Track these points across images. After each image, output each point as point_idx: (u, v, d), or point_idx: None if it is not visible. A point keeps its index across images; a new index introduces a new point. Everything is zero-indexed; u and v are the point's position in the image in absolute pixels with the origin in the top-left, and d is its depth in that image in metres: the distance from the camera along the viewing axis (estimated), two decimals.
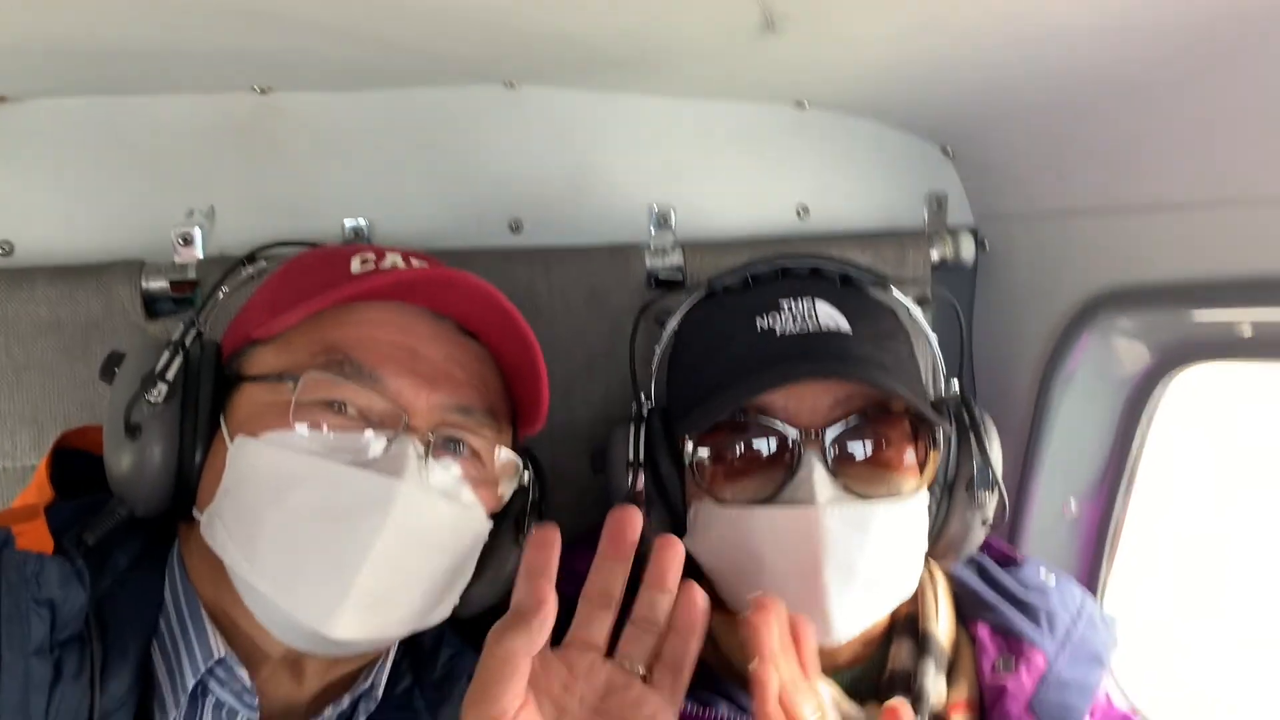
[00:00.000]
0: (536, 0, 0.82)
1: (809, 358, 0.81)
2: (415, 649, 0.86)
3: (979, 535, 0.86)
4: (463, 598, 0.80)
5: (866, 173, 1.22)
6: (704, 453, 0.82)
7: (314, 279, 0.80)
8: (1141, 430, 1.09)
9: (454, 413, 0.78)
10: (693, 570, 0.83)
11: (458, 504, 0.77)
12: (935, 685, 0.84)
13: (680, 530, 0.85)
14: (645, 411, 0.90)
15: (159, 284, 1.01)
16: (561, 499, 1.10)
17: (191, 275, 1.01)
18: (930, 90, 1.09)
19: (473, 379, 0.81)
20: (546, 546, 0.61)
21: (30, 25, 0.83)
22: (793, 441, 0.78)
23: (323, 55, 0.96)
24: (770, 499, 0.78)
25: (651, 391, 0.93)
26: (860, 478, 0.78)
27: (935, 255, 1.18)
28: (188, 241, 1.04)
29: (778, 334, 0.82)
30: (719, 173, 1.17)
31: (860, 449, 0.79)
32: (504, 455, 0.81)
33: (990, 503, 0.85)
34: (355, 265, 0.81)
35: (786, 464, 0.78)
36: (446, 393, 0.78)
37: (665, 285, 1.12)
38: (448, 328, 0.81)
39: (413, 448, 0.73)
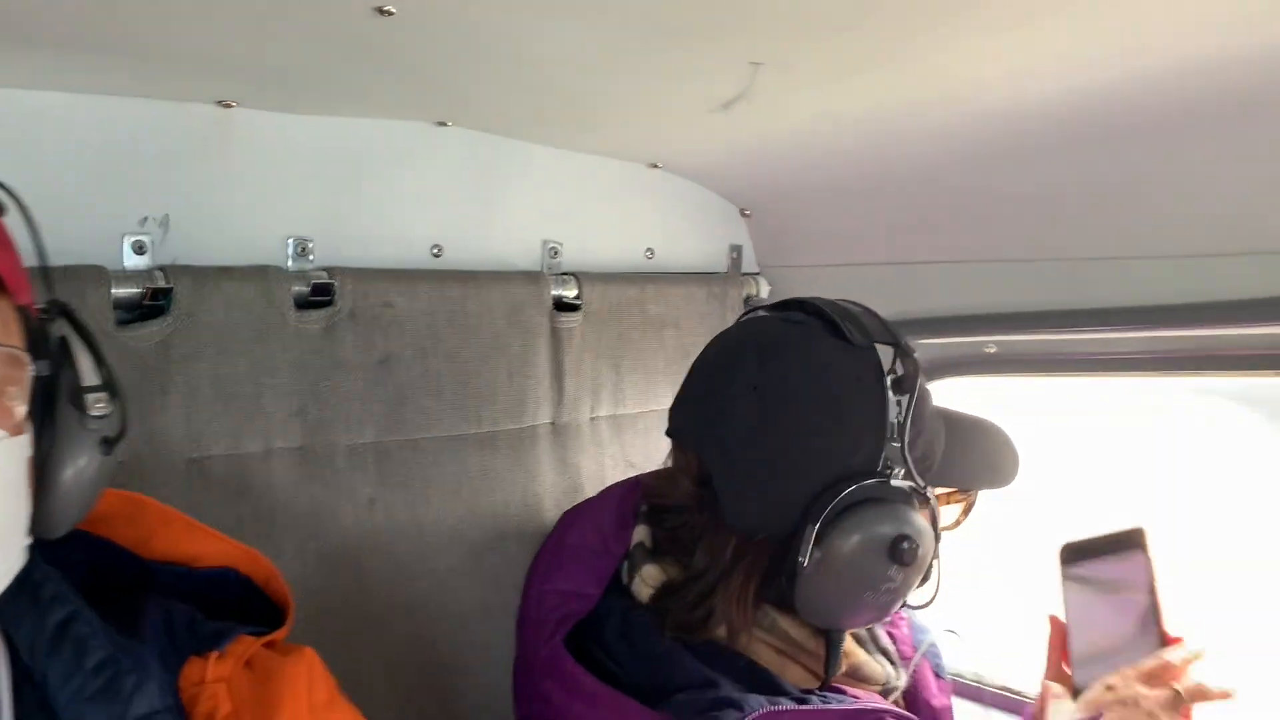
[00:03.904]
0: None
1: None
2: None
3: None
4: (45, 518, 0.66)
5: (691, 225, 1.50)
6: None
7: None
8: None
9: None
10: None
11: None
12: None
13: None
14: None
15: (131, 291, 0.97)
16: (489, 505, 1.23)
17: (163, 282, 0.99)
18: (738, 162, 1.40)
19: None
20: None
21: None
22: None
23: (287, 75, 1.02)
24: None
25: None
26: None
27: (745, 293, 1.50)
28: (141, 249, 1.02)
29: None
30: (592, 216, 1.38)
31: None
32: None
33: None
34: None
35: None
36: None
37: (567, 308, 1.30)
38: None
39: None
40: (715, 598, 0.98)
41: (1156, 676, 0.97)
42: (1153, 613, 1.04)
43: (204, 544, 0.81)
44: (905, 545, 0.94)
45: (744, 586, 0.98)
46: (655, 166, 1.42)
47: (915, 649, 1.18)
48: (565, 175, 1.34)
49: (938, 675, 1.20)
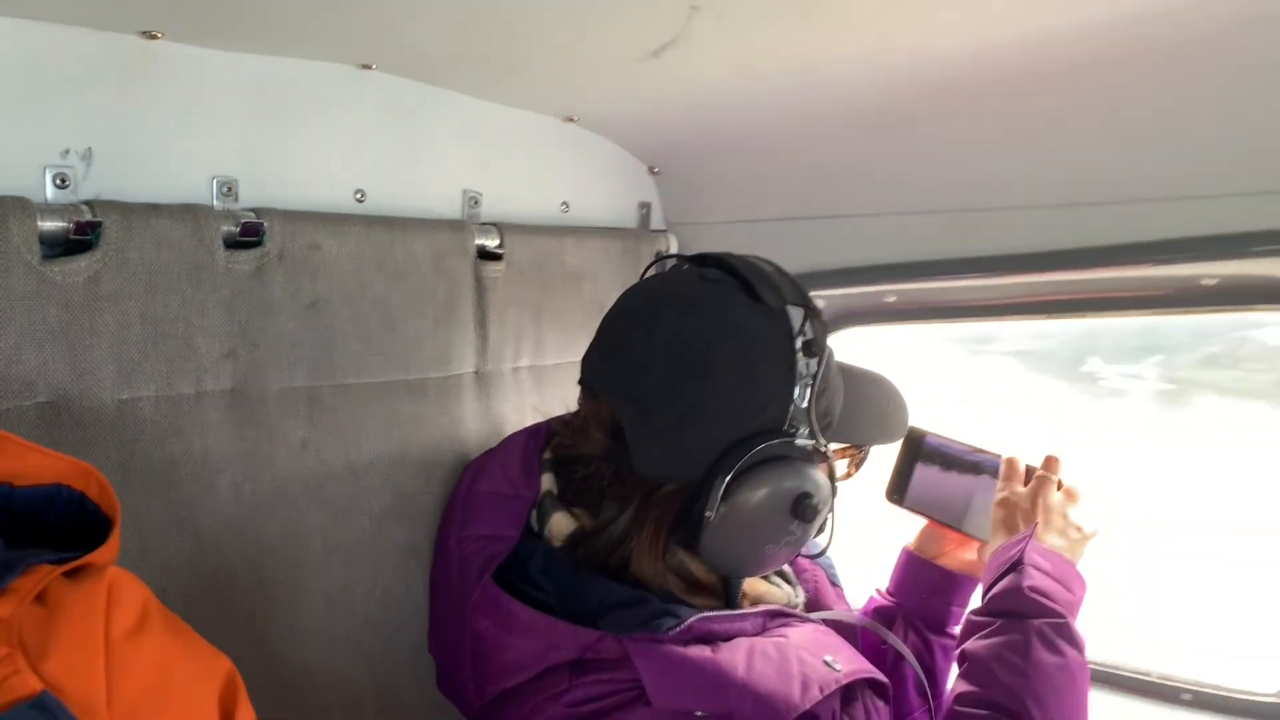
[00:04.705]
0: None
1: None
2: None
3: None
4: None
5: (603, 181, 1.53)
6: None
7: None
8: None
9: None
10: None
11: None
12: None
13: None
14: None
15: (56, 224, 0.93)
16: (418, 450, 1.23)
17: (89, 216, 0.95)
18: (650, 119, 1.44)
19: None
20: None
21: None
22: None
23: (214, 6, 0.99)
24: None
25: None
26: None
27: (656, 249, 1.54)
28: (64, 182, 0.98)
29: None
30: (510, 167, 1.39)
31: None
32: None
33: None
34: None
35: None
36: None
37: (489, 257, 1.30)
38: None
39: None
40: (629, 545, 1.03)
41: (1011, 478, 1.25)
42: (975, 455, 1.33)
43: (22, 459, 0.70)
44: (807, 502, 1.01)
45: (654, 535, 1.03)
46: (571, 120, 1.44)
47: (809, 563, 1.27)
48: (485, 126, 1.34)
49: (833, 583, 1.30)
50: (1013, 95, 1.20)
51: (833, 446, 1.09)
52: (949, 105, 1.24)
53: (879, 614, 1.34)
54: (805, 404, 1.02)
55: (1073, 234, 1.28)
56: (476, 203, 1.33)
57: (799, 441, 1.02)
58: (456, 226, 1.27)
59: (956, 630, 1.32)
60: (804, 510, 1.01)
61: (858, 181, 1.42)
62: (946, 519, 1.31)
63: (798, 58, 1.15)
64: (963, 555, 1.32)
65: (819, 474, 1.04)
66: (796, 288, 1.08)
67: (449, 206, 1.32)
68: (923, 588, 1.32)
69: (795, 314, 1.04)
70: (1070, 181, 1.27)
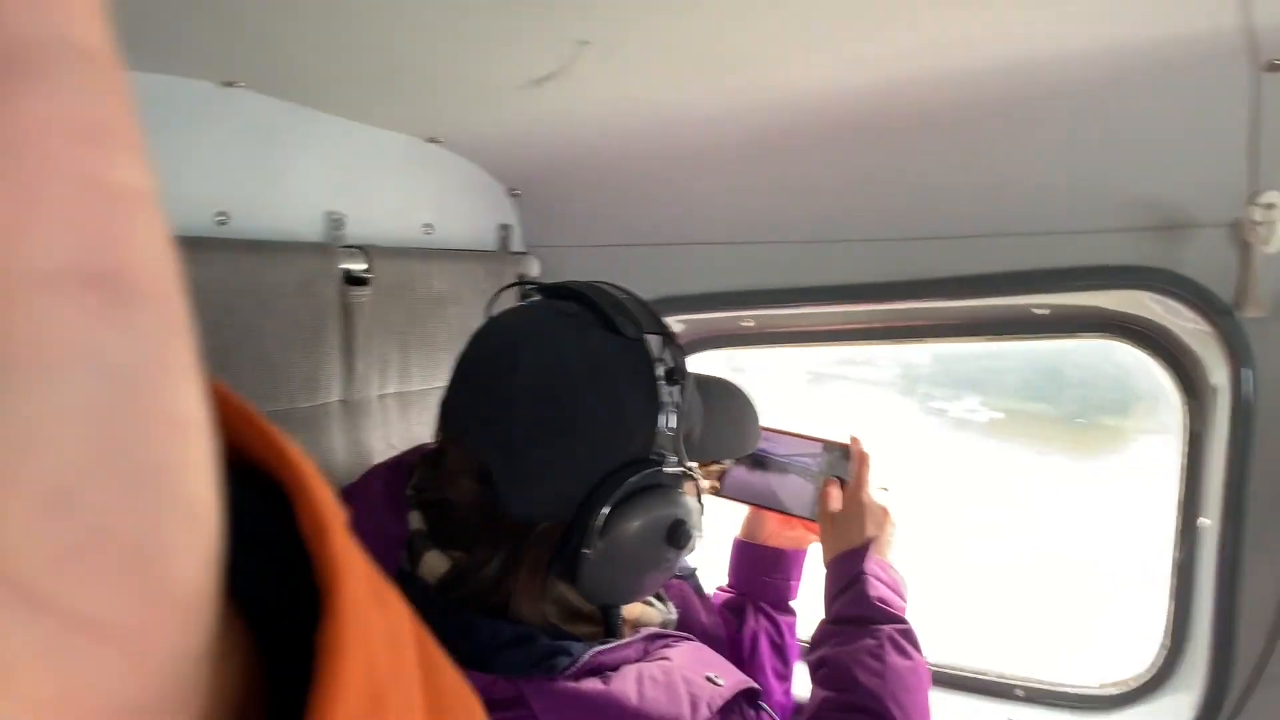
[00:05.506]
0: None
1: None
2: None
3: None
4: None
5: (464, 202, 1.51)
6: None
7: None
8: None
9: None
10: None
11: None
12: None
13: None
14: None
15: None
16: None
17: None
18: (512, 142, 1.44)
19: None
20: None
21: None
22: None
23: None
24: None
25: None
26: None
27: (521, 271, 1.54)
28: None
29: None
30: (374, 188, 1.35)
31: None
32: None
33: None
34: None
35: None
36: None
37: (357, 282, 1.27)
38: None
39: None
40: (507, 585, 1.01)
41: (865, 475, 1.31)
42: (784, 438, 1.38)
43: None
44: (681, 529, 1.03)
45: (532, 574, 1.01)
46: (434, 141, 1.42)
47: (677, 579, 1.31)
48: (349, 145, 1.31)
49: (698, 594, 1.34)
50: (865, 137, 1.28)
51: (694, 464, 1.13)
52: (805, 143, 1.31)
53: (728, 606, 1.39)
54: (670, 430, 1.04)
55: (917, 266, 1.37)
56: (340, 224, 1.30)
57: (667, 469, 1.03)
58: (323, 250, 1.23)
59: (795, 604, 1.42)
60: (679, 537, 1.03)
61: (717, 211, 1.47)
62: (766, 502, 1.38)
63: (670, 94, 1.18)
64: (787, 533, 1.40)
65: (689, 499, 1.05)
66: (652, 315, 1.08)
67: (312, 229, 1.27)
68: (759, 571, 1.40)
69: (653, 342, 1.05)
70: (915, 217, 1.36)
